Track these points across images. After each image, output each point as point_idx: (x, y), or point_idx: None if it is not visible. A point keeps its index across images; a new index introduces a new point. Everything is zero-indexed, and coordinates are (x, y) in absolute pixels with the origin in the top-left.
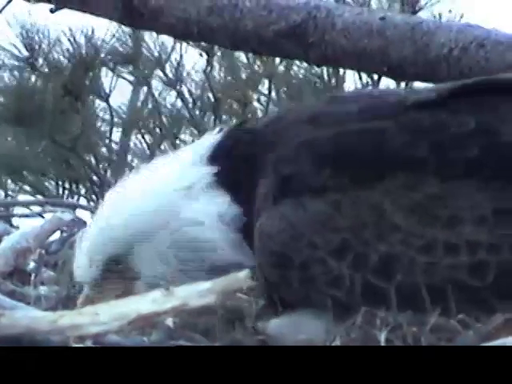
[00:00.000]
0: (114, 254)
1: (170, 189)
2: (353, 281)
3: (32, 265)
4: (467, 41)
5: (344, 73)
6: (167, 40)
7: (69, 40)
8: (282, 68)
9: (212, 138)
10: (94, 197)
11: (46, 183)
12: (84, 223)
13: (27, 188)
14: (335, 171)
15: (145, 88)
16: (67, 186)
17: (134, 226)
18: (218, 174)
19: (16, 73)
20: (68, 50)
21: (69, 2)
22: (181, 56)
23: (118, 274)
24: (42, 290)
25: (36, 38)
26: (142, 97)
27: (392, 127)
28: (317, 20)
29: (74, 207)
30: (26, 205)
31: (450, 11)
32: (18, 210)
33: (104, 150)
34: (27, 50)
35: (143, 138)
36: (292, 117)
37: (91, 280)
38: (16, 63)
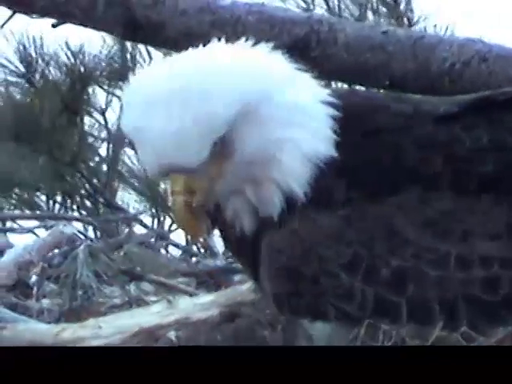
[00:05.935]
0: (221, 133)
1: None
2: (364, 295)
3: (34, 278)
4: (469, 55)
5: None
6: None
7: (66, 55)
8: None
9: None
10: (86, 210)
11: (37, 199)
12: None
13: (18, 204)
14: (348, 185)
15: None
16: (59, 200)
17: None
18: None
19: (13, 89)
20: (65, 65)
21: (72, 17)
22: None
23: (218, 155)
24: (45, 303)
25: (33, 53)
26: None
27: (408, 141)
28: (319, 34)
29: (74, 220)
30: (27, 219)
31: (435, 26)
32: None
33: (99, 164)
34: (24, 66)
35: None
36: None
37: (198, 165)
38: (13, 79)
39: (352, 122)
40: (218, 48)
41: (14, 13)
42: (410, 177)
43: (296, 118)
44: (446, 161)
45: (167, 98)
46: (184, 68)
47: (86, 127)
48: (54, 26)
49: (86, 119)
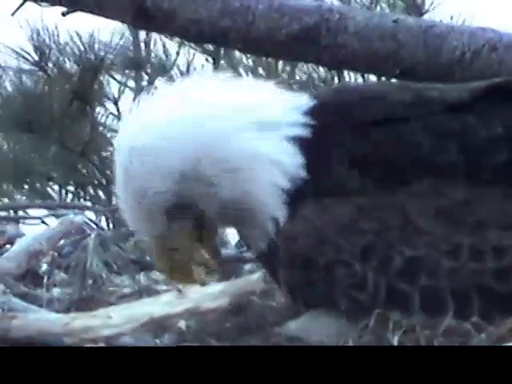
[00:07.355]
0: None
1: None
2: (376, 284)
3: (44, 267)
4: (479, 44)
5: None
6: (172, 46)
7: (76, 44)
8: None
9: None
10: (98, 200)
11: (49, 189)
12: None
13: (31, 194)
14: (361, 175)
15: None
16: (72, 190)
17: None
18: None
19: (24, 77)
20: (76, 54)
21: (83, 5)
22: (188, 62)
23: (182, 215)
24: (55, 292)
25: (47, 41)
26: None
27: (422, 130)
28: (329, 23)
29: (85, 209)
30: (37, 208)
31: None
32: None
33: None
34: (37, 53)
35: None
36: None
37: (158, 233)
38: (26, 67)
39: (355, 113)
40: (155, 114)
41: (25, 1)
42: (424, 166)
43: (244, 163)
44: (459, 150)
45: (118, 174)
46: (128, 142)
47: (99, 117)
48: (63, 14)
49: (99, 109)
